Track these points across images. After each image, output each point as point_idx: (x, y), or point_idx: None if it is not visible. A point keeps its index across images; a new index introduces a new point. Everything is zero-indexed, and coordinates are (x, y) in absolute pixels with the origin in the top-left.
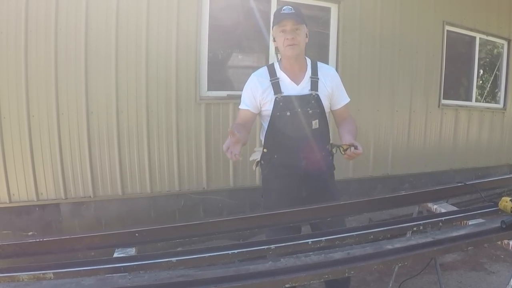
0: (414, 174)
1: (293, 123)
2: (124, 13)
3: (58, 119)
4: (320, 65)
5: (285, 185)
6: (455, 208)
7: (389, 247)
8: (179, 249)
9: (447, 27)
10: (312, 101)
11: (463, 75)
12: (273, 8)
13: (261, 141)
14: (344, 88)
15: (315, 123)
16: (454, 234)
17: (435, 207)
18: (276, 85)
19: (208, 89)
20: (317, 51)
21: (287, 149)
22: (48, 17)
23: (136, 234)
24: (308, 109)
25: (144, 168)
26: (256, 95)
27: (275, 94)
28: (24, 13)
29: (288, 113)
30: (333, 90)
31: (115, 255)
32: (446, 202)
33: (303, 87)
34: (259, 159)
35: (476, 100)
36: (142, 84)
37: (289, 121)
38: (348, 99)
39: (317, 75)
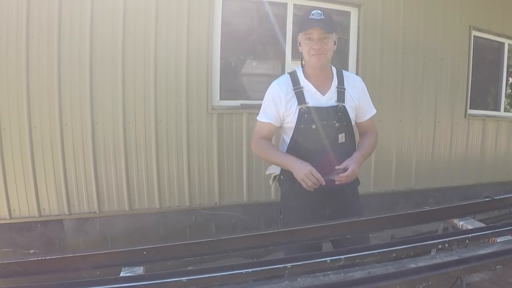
0: (439, 189)
1: (318, 137)
2: (132, 18)
3: (61, 130)
4: (346, 74)
5: (307, 203)
6: (482, 225)
7: (413, 265)
8: (189, 268)
9: (474, 33)
10: (339, 113)
11: (491, 83)
12: (289, 12)
13: None
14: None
15: (341, 137)
16: (482, 252)
17: (461, 223)
18: (300, 95)
19: (221, 98)
20: (336, 57)
21: (312, 162)
22: (51, 22)
23: (144, 252)
24: (335, 121)
25: (152, 182)
26: (279, 107)
27: (299, 104)
28: (25, 18)
29: (314, 126)
30: (359, 102)
31: (122, 274)
32: (473, 218)
33: (329, 98)
34: (277, 174)
35: (505, 110)
36: (151, 93)
37: (314, 135)
38: (375, 111)
39: (344, 85)
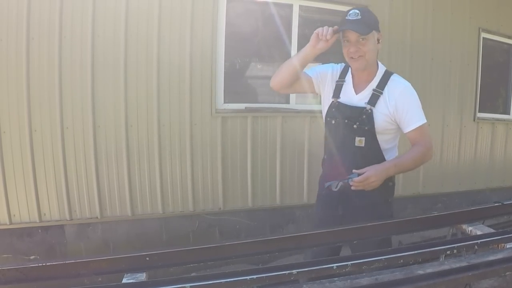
0: (447, 193)
1: (336, 134)
2: (134, 19)
3: (62, 133)
4: (393, 78)
5: (324, 202)
6: (492, 230)
7: (421, 272)
8: (193, 274)
9: (483, 34)
10: (363, 116)
11: (501, 86)
12: (295, 14)
13: None
14: None
15: (359, 141)
16: (491, 258)
17: (470, 229)
18: (338, 88)
19: (225, 101)
20: (343, 60)
21: (329, 160)
22: (52, 24)
23: (147, 258)
24: (357, 123)
25: (155, 187)
26: (325, 79)
27: (333, 96)
28: (25, 19)
29: (333, 122)
30: (397, 110)
31: (124, 280)
32: (482, 224)
33: (361, 98)
34: None
35: None
36: (153, 96)
37: (333, 130)
38: (421, 122)
39: (383, 89)
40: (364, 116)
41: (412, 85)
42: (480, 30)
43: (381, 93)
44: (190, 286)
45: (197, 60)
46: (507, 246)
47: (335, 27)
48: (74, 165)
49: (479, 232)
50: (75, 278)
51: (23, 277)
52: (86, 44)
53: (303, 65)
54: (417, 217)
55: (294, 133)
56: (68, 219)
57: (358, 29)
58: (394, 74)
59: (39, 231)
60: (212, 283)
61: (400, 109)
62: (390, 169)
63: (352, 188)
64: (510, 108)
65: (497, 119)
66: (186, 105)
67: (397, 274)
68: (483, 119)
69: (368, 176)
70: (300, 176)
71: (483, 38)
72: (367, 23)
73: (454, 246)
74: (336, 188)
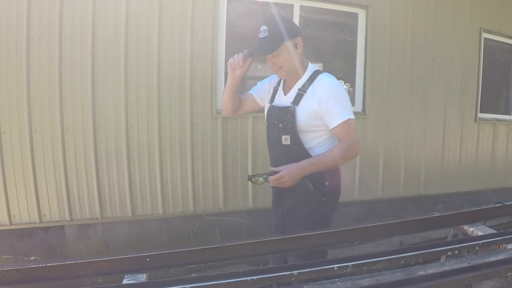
0: (448, 194)
1: (268, 135)
2: (134, 20)
3: (62, 134)
4: (320, 76)
5: (272, 201)
6: (493, 231)
7: (422, 273)
8: (193, 275)
9: (485, 35)
10: (288, 115)
11: (502, 87)
12: (296, 14)
13: None
14: (369, 101)
15: (285, 139)
16: (492, 259)
17: (471, 229)
18: (274, 93)
19: None
20: (344, 60)
21: (270, 160)
22: (52, 24)
23: (147, 259)
24: (283, 122)
25: (155, 188)
26: (265, 87)
27: (269, 102)
28: (25, 19)
29: (267, 124)
30: (320, 107)
31: (124, 281)
32: (484, 224)
33: (288, 99)
34: None
35: None
36: (154, 97)
37: (268, 132)
38: (343, 119)
39: (307, 88)
40: (288, 115)
41: (413, 85)
42: (482, 30)
43: (305, 92)
44: (191, 287)
45: (197, 60)
46: (508, 247)
47: (245, 51)
48: (74, 165)
49: (480, 233)
50: (75, 279)
51: (23, 278)
52: (86, 44)
53: (235, 93)
54: (418, 217)
55: None
56: (68, 219)
57: (263, 50)
58: (323, 73)
59: (39, 231)
60: (213, 284)
61: (324, 105)
62: (306, 168)
63: (270, 184)
64: (511, 109)
65: (498, 120)
66: (187, 105)
67: (398, 275)
68: (484, 119)
69: (282, 175)
70: None
71: (485, 38)
72: (275, 38)
73: (455, 247)
74: (257, 182)
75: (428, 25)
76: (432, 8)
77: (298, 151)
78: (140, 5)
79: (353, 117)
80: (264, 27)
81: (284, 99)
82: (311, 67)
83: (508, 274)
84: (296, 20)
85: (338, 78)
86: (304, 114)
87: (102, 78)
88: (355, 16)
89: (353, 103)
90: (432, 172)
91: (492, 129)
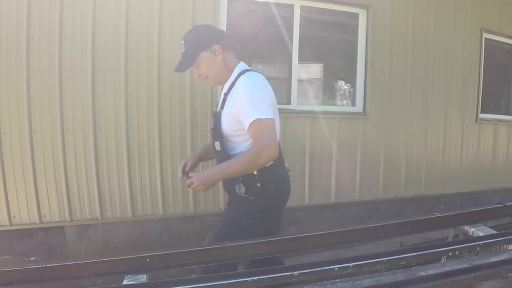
0: (449, 195)
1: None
2: (134, 20)
3: (62, 134)
4: (240, 78)
5: None
6: (494, 232)
7: (422, 273)
8: (194, 276)
9: (485, 35)
10: (217, 121)
11: (503, 87)
12: (296, 14)
13: None
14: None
15: (216, 145)
16: (493, 259)
17: (472, 230)
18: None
19: None
20: (344, 60)
21: None
22: (52, 24)
23: (148, 260)
24: (215, 128)
25: (156, 188)
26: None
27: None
28: (25, 20)
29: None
30: (235, 109)
31: (125, 282)
32: (484, 225)
33: (219, 104)
34: None
35: None
36: (154, 97)
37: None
38: (253, 118)
39: (230, 91)
40: (217, 121)
41: (414, 85)
42: (482, 30)
43: (228, 95)
44: (191, 287)
45: None
46: (509, 248)
47: (182, 163)
48: (75, 166)
49: (481, 234)
50: (76, 280)
51: (23, 278)
52: (86, 45)
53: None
54: (419, 218)
55: (296, 134)
56: (68, 220)
57: (182, 66)
58: (244, 74)
59: (39, 232)
60: (213, 284)
61: (237, 106)
62: (217, 174)
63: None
64: None
65: (499, 120)
66: (187, 106)
67: (399, 276)
68: (485, 120)
69: (193, 181)
70: (301, 177)
71: (485, 38)
72: (191, 51)
73: (456, 248)
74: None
75: (429, 25)
76: (433, 8)
77: (225, 157)
78: (140, 5)
79: (264, 116)
80: (182, 41)
81: (219, 105)
82: (238, 69)
83: (509, 274)
84: (297, 20)
85: (339, 78)
86: (226, 118)
87: (102, 78)
88: (355, 16)
89: (353, 103)
90: (433, 173)
91: (493, 130)
